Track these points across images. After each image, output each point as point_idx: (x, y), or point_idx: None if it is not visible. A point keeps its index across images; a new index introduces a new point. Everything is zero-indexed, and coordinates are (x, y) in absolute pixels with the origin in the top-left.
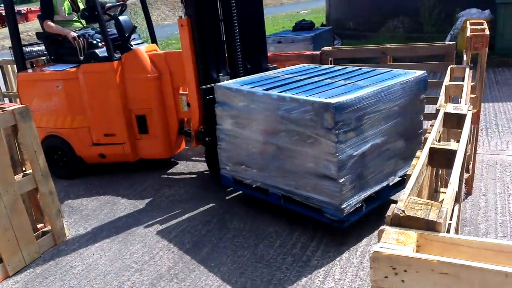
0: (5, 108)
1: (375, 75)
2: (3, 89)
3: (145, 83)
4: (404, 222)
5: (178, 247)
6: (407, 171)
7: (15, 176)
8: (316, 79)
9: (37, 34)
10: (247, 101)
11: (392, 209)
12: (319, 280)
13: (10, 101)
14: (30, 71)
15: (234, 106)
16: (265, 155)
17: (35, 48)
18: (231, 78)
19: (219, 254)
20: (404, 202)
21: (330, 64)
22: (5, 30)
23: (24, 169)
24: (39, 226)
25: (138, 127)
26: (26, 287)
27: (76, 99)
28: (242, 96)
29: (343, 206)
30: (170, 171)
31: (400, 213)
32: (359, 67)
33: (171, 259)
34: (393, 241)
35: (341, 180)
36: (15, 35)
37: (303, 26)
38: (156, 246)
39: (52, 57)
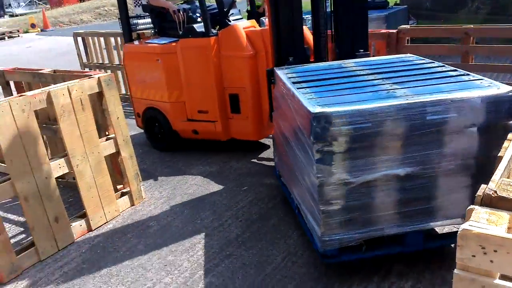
0: (92, 75)
1: (445, 82)
2: (84, 60)
3: (240, 61)
4: (495, 202)
5: (246, 217)
6: (449, 223)
7: (99, 140)
8: (371, 77)
9: (143, 6)
10: (283, 92)
11: (483, 189)
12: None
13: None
14: (136, 43)
15: (278, 94)
16: (286, 155)
17: (141, 21)
18: (316, 61)
19: (285, 227)
20: (496, 183)
21: (407, 43)
22: (84, 5)
23: (107, 133)
24: (118, 187)
25: (230, 106)
26: (106, 241)
27: (174, 74)
28: (281, 85)
29: (324, 239)
30: (239, 146)
31: (492, 194)
32: (443, 66)
33: (239, 227)
34: (484, 221)
35: (322, 207)
36: (123, 7)
37: (376, 4)
38: (225, 215)
39: (156, 30)
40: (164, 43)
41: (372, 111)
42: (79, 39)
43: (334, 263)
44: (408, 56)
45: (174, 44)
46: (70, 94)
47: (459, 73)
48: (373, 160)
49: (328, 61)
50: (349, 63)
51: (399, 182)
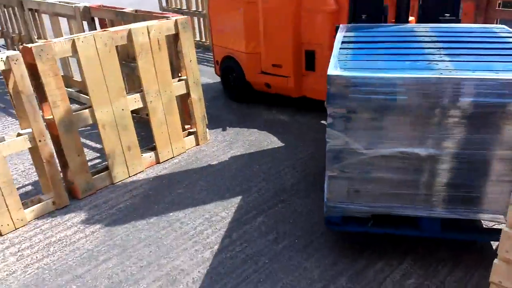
0: (169, 17)
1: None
2: (164, 4)
3: (321, 15)
4: None
5: (303, 169)
6: (473, 217)
7: (172, 80)
8: (429, 45)
9: None
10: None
11: None
12: None
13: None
14: None
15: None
16: None
17: None
18: (395, 22)
19: None
20: None
21: (499, 7)
22: None
23: (179, 75)
24: (186, 127)
25: (305, 62)
26: (172, 172)
27: (253, 24)
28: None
29: (329, 204)
30: (309, 103)
31: None
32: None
33: (295, 177)
34: None
35: (329, 173)
36: None
37: None
38: (283, 164)
39: None
40: None
41: (392, 81)
42: None
43: (337, 231)
44: (497, 28)
45: None
46: (149, 33)
47: None
48: (390, 135)
49: (408, 23)
50: (422, 28)
51: (416, 162)
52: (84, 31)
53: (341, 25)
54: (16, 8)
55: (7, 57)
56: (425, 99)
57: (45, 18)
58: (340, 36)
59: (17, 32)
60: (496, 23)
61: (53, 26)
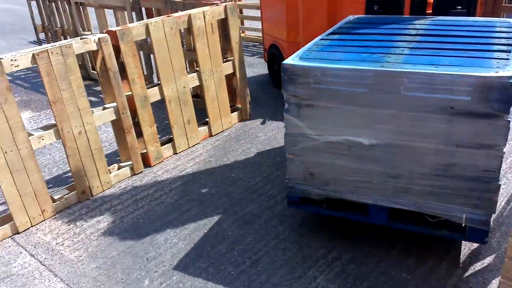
0: (218, 3)
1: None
2: None
3: (355, 5)
4: None
5: None
6: (416, 209)
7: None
8: (409, 38)
9: None
10: None
11: None
12: None
13: None
14: None
15: None
16: None
17: None
18: (410, 14)
19: None
20: None
21: (505, 3)
22: None
23: (226, 56)
24: (231, 104)
25: None
26: (225, 144)
27: (294, 14)
28: None
29: (289, 185)
30: None
31: None
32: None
33: None
34: None
35: (287, 155)
36: None
37: None
38: None
39: None
40: None
41: (334, 71)
42: None
43: (296, 209)
44: (500, 21)
45: None
46: (204, 18)
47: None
48: (336, 123)
49: (423, 15)
50: (422, 21)
51: (360, 150)
52: (133, 21)
53: (350, 16)
54: (61, 3)
55: (99, 38)
56: (364, 90)
57: (90, 11)
58: (335, 26)
59: (59, 26)
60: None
61: (98, 18)
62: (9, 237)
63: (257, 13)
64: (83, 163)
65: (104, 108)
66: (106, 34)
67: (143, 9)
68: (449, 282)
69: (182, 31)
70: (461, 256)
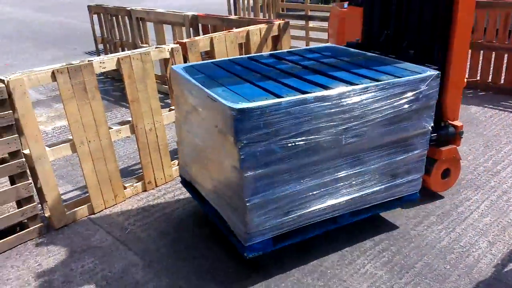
0: (274, 22)
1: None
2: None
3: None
4: None
5: None
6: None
7: None
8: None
9: None
10: None
11: None
12: None
13: None
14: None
15: None
16: None
17: None
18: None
19: None
20: None
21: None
22: None
23: None
24: None
25: None
26: None
27: (342, 36)
28: None
29: None
30: None
31: None
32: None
33: None
34: None
35: None
36: None
37: None
38: None
39: None
40: (342, 9)
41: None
42: None
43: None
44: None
45: (345, 10)
46: (260, 34)
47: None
48: None
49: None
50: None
51: None
52: (190, 36)
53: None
54: (122, 17)
55: (171, 48)
56: None
57: (149, 27)
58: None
59: (118, 38)
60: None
61: (156, 33)
62: (86, 216)
63: (301, 33)
64: (151, 156)
65: (170, 110)
66: (178, 45)
67: (199, 25)
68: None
69: None
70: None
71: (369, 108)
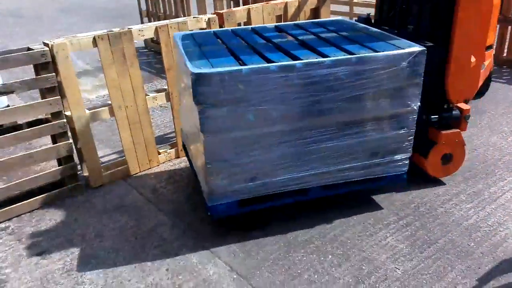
0: None
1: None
2: None
3: None
4: None
5: None
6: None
7: None
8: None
9: None
10: None
11: None
12: None
13: None
14: None
15: None
16: None
17: None
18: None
19: None
20: None
21: None
22: None
23: None
24: None
25: None
26: None
27: None
28: None
29: None
30: None
31: None
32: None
33: None
34: None
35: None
36: None
37: None
38: None
39: None
40: None
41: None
42: None
43: None
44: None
45: None
46: (299, 5)
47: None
48: None
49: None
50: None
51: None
52: (231, 7)
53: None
54: None
55: (208, 18)
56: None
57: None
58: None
59: (162, 11)
60: None
61: (198, 5)
62: (121, 178)
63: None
64: None
65: None
66: (215, 15)
67: None
68: None
69: None
70: None
71: (340, 82)
